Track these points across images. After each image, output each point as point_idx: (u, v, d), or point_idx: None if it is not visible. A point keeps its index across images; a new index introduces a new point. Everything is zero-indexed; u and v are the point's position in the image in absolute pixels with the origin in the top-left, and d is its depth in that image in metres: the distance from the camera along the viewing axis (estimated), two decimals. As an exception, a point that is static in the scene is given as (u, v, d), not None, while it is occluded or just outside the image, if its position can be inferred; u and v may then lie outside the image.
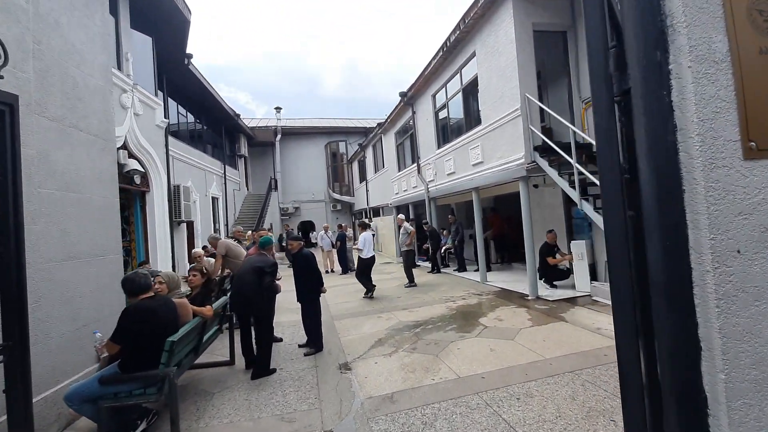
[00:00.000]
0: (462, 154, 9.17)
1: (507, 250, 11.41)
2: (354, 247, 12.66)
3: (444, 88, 10.08)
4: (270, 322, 4.53)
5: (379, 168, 18.01)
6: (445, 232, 11.40)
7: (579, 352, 4.29)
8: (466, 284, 8.80)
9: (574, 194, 5.72)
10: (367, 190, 20.62)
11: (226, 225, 19.08)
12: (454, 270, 10.74)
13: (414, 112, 12.31)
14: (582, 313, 5.74)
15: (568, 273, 7.34)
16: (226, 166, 19.49)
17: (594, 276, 6.81)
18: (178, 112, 14.58)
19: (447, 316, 6.21)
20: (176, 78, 12.93)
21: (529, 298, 6.84)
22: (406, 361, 4.43)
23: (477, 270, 9.61)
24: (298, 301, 5.13)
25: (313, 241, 23.72)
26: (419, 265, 12.70)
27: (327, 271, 12.66)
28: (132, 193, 8.98)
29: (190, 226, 15.05)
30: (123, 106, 7.85)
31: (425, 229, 11.26)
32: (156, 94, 9.81)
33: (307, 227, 25.85)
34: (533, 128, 6.66)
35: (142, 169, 8.31)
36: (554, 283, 7.38)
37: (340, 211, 26.63)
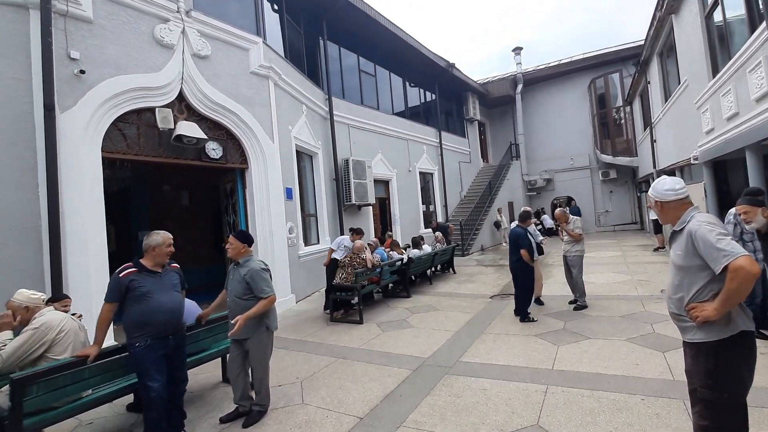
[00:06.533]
0: None
1: None
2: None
3: None
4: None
5: (672, 89, 9.54)
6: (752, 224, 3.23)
7: None
8: None
9: None
10: (653, 141, 12.05)
11: (445, 206, 15.63)
12: None
13: None
14: None
15: None
16: (444, 133, 15.94)
17: None
18: (360, 71, 12.11)
19: None
20: (345, 20, 10.27)
21: None
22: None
23: None
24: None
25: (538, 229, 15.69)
26: None
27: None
28: (221, 171, 6.76)
29: (383, 207, 12.45)
30: (161, 43, 5.47)
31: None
32: (259, 31, 7.17)
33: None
34: None
35: (203, 135, 5.77)
36: None
37: (615, 181, 17.99)
